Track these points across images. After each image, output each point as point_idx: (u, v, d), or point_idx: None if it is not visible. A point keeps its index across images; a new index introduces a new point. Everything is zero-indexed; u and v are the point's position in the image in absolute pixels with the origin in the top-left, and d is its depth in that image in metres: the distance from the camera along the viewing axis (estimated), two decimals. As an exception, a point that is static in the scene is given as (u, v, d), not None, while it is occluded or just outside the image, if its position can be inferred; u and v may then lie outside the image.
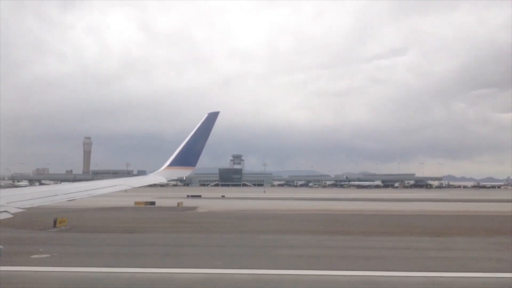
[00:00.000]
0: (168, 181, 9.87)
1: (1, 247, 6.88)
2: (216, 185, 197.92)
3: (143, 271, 15.27)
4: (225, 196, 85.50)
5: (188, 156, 9.81)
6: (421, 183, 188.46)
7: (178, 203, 56.12)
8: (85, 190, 8.51)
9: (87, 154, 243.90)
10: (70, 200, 8.17)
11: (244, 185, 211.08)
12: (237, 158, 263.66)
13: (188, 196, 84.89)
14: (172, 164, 9.65)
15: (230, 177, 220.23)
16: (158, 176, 9.56)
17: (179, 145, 9.91)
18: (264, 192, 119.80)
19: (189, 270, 15.53)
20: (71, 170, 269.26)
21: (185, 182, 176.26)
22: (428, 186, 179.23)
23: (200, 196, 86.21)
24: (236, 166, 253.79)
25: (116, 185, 8.85)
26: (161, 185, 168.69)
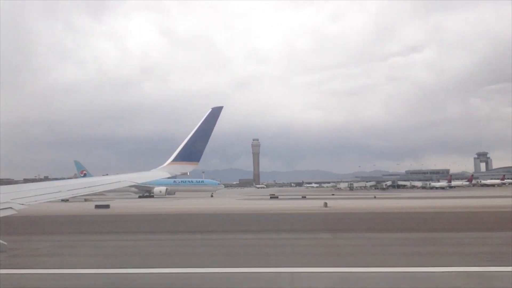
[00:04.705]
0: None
1: (4, 243, 6.69)
2: None
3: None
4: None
5: (192, 151, 9.74)
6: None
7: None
8: (88, 187, 8.35)
9: (256, 156, 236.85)
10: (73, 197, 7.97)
11: None
12: (483, 156, 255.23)
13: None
14: (176, 159, 9.56)
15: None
16: (161, 172, 9.44)
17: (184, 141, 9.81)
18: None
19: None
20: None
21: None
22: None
23: None
24: (482, 164, 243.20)
25: (120, 181, 8.72)
26: (350, 188, 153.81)
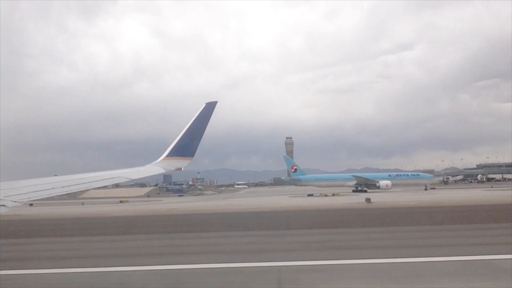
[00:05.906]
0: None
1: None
2: None
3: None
4: None
5: (187, 146, 9.75)
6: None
7: None
8: (82, 183, 8.35)
9: (289, 154, 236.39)
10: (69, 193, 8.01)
11: None
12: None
13: None
14: (170, 154, 9.59)
15: None
16: (156, 167, 9.47)
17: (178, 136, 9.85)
18: None
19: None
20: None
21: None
22: None
23: None
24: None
25: (114, 177, 8.75)
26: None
